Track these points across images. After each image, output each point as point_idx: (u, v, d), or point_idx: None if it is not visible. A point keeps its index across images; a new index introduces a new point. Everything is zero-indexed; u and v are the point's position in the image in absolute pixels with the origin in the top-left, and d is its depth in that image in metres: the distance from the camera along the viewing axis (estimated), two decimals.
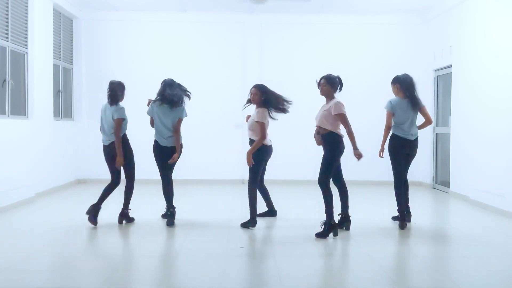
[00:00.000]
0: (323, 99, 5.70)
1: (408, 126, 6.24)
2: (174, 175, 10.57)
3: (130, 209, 6.26)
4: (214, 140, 10.55)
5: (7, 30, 7.61)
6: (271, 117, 6.18)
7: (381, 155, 6.46)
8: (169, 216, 6.16)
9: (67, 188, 9.49)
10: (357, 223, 6.17)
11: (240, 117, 10.62)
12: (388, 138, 6.39)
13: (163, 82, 6.27)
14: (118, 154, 5.94)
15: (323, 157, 5.77)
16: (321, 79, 5.94)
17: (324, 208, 5.72)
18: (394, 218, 6.54)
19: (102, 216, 6.47)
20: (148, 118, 6.37)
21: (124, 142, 6.08)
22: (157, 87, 10.45)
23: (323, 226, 5.69)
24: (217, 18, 10.57)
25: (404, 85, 6.30)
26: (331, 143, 5.69)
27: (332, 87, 5.88)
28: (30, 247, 5.18)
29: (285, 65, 10.68)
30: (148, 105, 6.31)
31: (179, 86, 6.27)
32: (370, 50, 10.67)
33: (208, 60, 10.64)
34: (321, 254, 5.03)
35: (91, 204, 6.10)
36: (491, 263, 4.81)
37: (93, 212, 6.01)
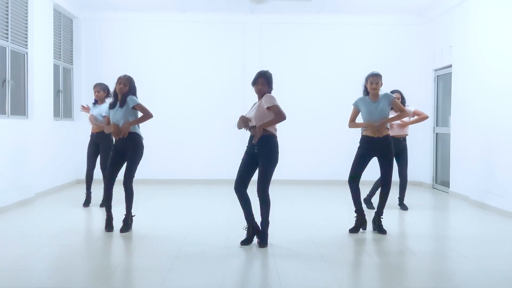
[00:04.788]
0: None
1: None
2: (175, 175, 10.69)
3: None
4: (213, 140, 10.55)
5: (7, 30, 7.62)
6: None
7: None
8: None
9: (67, 188, 9.49)
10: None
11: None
12: (389, 135, 6.05)
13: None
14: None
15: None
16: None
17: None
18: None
19: (101, 218, 6.47)
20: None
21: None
22: (157, 87, 10.54)
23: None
24: (217, 18, 10.57)
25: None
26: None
27: None
28: (29, 247, 5.17)
29: (285, 65, 10.68)
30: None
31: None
32: (370, 50, 10.67)
33: (208, 60, 10.64)
34: (320, 255, 5.03)
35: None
36: (491, 263, 4.80)
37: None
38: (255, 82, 5.36)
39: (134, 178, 5.90)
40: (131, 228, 5.95)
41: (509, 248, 5.47)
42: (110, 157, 5.97)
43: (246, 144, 5.45)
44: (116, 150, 5.90)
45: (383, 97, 5.86)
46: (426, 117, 7.46)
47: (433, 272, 4.63)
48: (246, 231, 5.37)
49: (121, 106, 5.84)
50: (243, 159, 5.36)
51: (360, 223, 5.95)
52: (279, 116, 5.15)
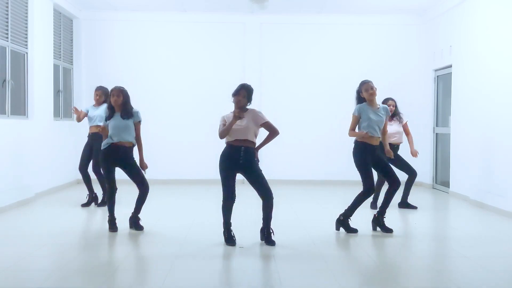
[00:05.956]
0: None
1: None
2: (175, 175, 10.67)
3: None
4: (214, 140, 10.52)
5: (7, 30, 7.62)
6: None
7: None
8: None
9: (67, 188, 9.49)
10: (355, 223, 6.14)
11: None
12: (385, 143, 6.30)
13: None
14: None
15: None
16: None
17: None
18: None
19: (101, 218, 6.48)
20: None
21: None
22: (157, 87, 10.53)
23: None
24: (217, 18, 10.57)
25: None
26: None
27: None
28: (29, 247, 5.18)
29: (285, 65, 10.68)
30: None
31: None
32: (370, 50, 10.67)
33: (208, 60, 10.64)
34: (321, 255, 5.03)
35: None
36: (491, 263, 4.80)
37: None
38: (236, 93, 5.40)
39: (133, 179, 6.00)
40: (139, 223, 6.05)
41: (509, 248, 5.47)
42: (105, 169, 5.93)
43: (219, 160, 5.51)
44: (110, 160, 5.88)
45: (383, 109, 5.97)
46: (411, 136, 7.72)
47: (433, 272, 4.63)
48: (228, 235, 5.41)
49: (124, 117, 5.89)
50: (227, 175, 5.47)
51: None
52: (275, 132, 5.43)
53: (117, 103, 5.89)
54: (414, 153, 7.64)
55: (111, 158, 5.89)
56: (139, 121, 6.04)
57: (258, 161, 5.40)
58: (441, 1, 9.46)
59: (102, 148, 5.94)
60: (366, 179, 5.82)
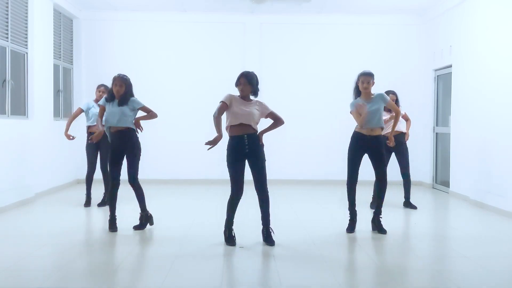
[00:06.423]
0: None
1: None
2: (175, 175, 10.68)
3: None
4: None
5: (7, 30, 7.62)
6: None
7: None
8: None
9: (67, 188, 9.49)
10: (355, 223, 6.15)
11: None
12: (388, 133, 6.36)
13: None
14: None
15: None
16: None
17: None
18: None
19: (101, 218, 6.47)
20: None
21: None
22: (156, 87, 10.53)
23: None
24: (217, 18, 10.57)
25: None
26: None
27: None
28: (29, 247, 5.18)
29: (285, 65, 10.68)
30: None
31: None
32: (371, 50, 10.67)
33: (208, 60, 10.64)
34: (320, 255, 5.03)
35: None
36: (491, 263, 4.80)
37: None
38: (237, 83, 5.37)
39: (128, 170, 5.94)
40: (145, 226, 6.04)
41: (509, 248, 5.47)
42: (109, 158, 5.99)
43: (226, 153, 5.39)
44: (114, 149, 5.92)
45: (378, 98, 5.86)
46: (410, 122, 7.72)
47: (433, 272, 4.63)
48: (229, 234, 5.37)
49: (120, 105, 5.90)
50: (235, 167, 5.27)
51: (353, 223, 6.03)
52: (281, 121, 5.45)
53: (119, 93, 5.90)
54: (406, 135, 7.62)
55: (117, 146, 5.88)
56: (143, 106, 6.00)
57: (263, 145, 5.36)
58: (441, 1, 9.47)
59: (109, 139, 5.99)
60: (348, 169, 5.94)
